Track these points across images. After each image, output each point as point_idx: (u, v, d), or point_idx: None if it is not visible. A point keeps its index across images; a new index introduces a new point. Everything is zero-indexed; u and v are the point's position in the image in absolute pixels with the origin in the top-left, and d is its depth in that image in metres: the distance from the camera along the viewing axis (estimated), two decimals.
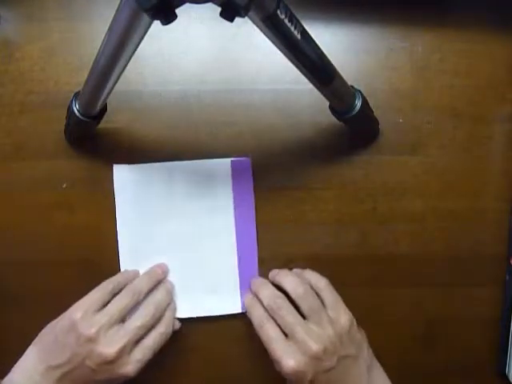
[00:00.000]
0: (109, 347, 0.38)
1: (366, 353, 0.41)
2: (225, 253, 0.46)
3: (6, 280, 0.46)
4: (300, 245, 0.46)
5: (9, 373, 0.39)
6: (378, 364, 0.42)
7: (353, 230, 0.47)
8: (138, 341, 0.40)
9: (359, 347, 0.41)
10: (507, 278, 0.46)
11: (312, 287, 0.42)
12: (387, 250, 0.47)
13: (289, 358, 0.38)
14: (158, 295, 0.43)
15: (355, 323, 0.41)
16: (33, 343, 0.40)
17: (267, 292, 0.42)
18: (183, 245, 0.46)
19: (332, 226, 0.47)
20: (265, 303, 0.41)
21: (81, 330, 0.38)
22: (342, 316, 0.41)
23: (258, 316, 0.42)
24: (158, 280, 0.44)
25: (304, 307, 0.40)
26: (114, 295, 0.41)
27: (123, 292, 0.42)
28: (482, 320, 0.47)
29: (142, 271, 0.45)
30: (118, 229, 0.46)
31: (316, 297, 0.41)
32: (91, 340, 0.38)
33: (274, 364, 0.40)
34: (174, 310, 0.45)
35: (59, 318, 0.41)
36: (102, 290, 0.41)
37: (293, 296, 0.41)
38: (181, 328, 0.46)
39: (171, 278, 0.46)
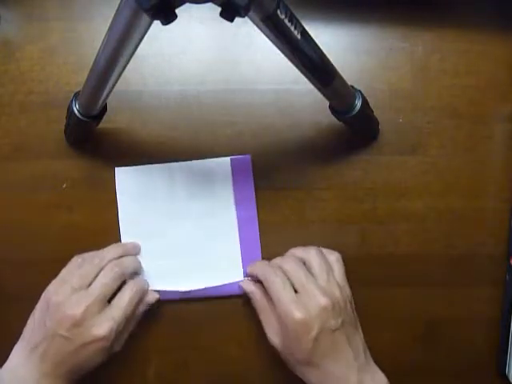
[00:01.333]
0: (74, 308, 0.38)
1: (361, 334, 0.42)
2: (228, 251, 0.46)
3: (6, 280, 0.46)
4: (300, 245, 0.46)
5: None
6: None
7: (353, 230, 0.47)
8: (106, 302, 0.40)
9: (357, 323, 0.42)
10: (507, 278, 0.46)
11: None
12: (387, 250, 0.47)
13: (298, 309, 0.38)
14: (124, 259, 0.44)
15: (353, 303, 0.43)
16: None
17: (279, 258, 0.43)
18: (187, 245, 0.46)
19: (332, 226, 0.47)
20: (277, 262, 0.43)
21: (51, 301, 0.39)
22: (347, 287, 0.42)
23: (266, 270, 0.42)
24: (126, 251, 0.45)
25: (315, 266, 0.41)
26: None
27: (87, 260, 0.43)
28: (482, 320, 0.47)
29: (145, 272, 0.46)
30: (121, 230, 0.46)
31: (328, 261, 0.42)
32: (58, 306, 0.39)
33: (270, 331, 0.41)
34: (142, 275, 0.45)
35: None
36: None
37: (305, 255, 0.42)
38: (182, 325, 0.46)
39: (175, 278, 0.46)
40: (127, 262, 0.44)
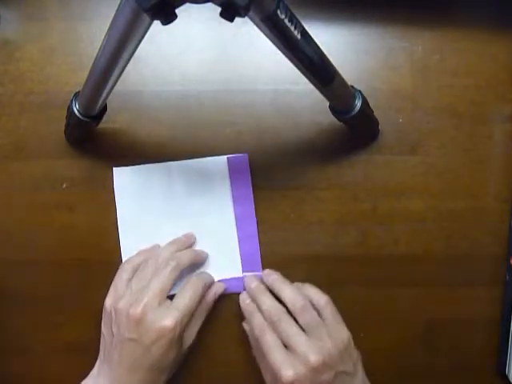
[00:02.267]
0: (134, 307, 0.39)
1: (362, 374, 0.40)
2: (227, 248, 0.46)
3: (6, 280, 0.46)
4: (300, 245, 0.46)
5: None
6: None
7: (353, 229, 0.47)
8: (165, 297, 0.40)
9: (356, 366, 0.40)
10: (507, 278, 0.46)
11: (312, 303, 0.41)
12: (387, 250, 0.47)
13: (288, 368, 0.37)
14: (178, 253, 0.43)
15: (352, 342, 0.41)
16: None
17: (267, 302, 0.42)
18: None
19: (332, 226, 0.47)
20: (265, 313, 0.41)
21: (114, 310, 0.40)
22: (342, 332, 0.40)
23: (258, 324, 0.41)
24: (180, 246, 0.45)
25: (302, 322, 0.40)
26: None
27: (143, 263, 0.43)
28: (482, 320, 0.47)
29: None
30: (119, 231, 0.46)
31: (315, 312, 0.41)
32: (121, 311, 0.39)
33: (266, 375, 0.40)
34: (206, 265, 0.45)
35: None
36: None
37: (291, 309, 0.41)
38: None
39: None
40: (182, 254, 0.43)
